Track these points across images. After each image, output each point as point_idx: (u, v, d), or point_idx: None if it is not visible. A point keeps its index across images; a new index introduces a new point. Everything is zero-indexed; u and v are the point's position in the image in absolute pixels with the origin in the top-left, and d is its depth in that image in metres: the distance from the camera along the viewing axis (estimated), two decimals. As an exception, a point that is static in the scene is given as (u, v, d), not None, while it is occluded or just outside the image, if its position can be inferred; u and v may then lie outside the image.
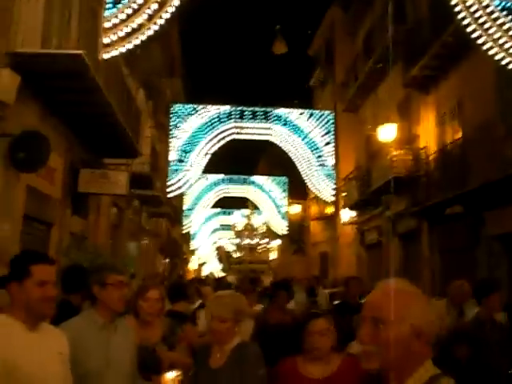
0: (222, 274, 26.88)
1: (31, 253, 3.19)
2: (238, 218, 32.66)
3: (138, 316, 4.44)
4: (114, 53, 8.82)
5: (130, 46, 8.82)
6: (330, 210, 28.39)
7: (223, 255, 28.10)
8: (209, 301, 4.52)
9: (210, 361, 3.82)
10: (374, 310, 1.91)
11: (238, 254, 25.66)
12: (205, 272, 50.46)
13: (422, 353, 1.88)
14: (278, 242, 29.58)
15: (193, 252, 50.28)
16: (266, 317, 6.46)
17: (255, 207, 35.85)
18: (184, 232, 39.89)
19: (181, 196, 31.83)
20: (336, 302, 8.99)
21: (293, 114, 26.07)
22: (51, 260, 3.01)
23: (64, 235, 11.16)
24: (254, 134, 26.13)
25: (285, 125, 25.82)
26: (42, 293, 2.82)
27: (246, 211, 34.86)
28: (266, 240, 24.92)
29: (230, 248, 39.52)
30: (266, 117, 25.77)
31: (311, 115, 26.31)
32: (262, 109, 25.98)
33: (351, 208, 23.65)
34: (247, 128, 25.63)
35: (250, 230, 24.73)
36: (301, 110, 26.47)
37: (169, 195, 24.84)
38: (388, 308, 1.86)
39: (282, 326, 5.81)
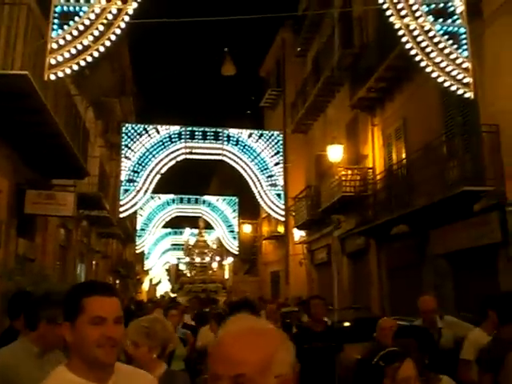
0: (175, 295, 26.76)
1: (84, 284, 2.61)
2: (188, 235, 32.31)
3: None
4: (61, 74, 8.75)
5: (76, 67, 8.78)
6: (281, 229, 28.54)
7: (173, 275, 27.59)
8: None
9: None
10: (232, 365, 1.43)
11: (187, 273, 25.15)
12: (159, 292, 49.96)
13: None
14: (230, 259, 29.35)
15: (147, 272, 49.79)
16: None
17: (207, 225, 35.81)
18: (138, 252, 39.54)
19: (134, 216, 31.54)
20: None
21: (243, 134, 26.24)
22: (110, 290, 2.33)
23: (9, 258, 10.94)
24: (206, 153, 26.15)
25: (236, 145, 25.95)
26: (98, 333, 2.18)
27: (197, 230, 34.72)
28: (218, 258, 24.45)
29: (183, 268, 39.31)
30: (217, 137, 25.86)
31: (261, 135, 26.52)
32: (213, 129, 26.07)
33: (301, 227, 23.85)
34: (198, 148, 25.65)
35: (201, 247, 24.11)
36: (251, 131, 26.66)
37: (120, 215, 24.58)
38: (251, 361, 1.43)
39: None
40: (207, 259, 23.63)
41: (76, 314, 2.22)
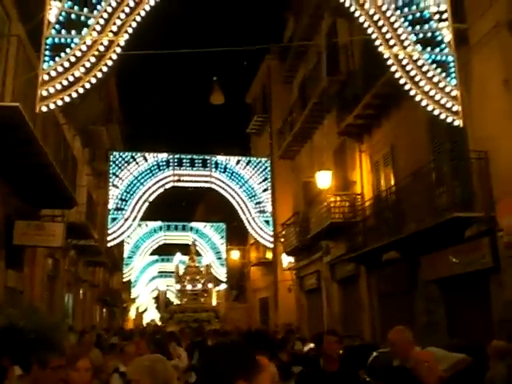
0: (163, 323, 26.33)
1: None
2: (178, 261, 31.76)
3: None
4: (52, 106, 8.74)
5: (67, 98, 8.77)
6: (269, 255, 28.48)
7: (162, 303, 26.83)
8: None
9: None
10: None
11: (178, 301, 24.41)
12: (146, 320, 49.48)
13: None
14: (224, 286, 28.90)
15: (133, 300, 49.38)
16: None
17: (197, 253, 35.66)
18: (125, 280, 39.23)
19: (121, 244, 31.33)
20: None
21: (231, 161, 26.30)
22: None
23: (-2, 290, 10.82)
24: (194, 181, 26.16)
25: (224, 172, 25.99)
26: None
27: (186, 258, 34.47)
28: (210, 285, 23.74)
29: (171, 295, 38.95)
30: (205, 164, 25.89)
31: (249, 162, 26.59)
32: (201, 156, 26.11)
33: (289, 253, 23.80)
34: (186, 175, 25.65)
35: (192, 273, 23.36)
36: (238, 158, 26.72)
37: (108, 244, 24.42)
38: None
39: None
40: (199, 286, 22.69)
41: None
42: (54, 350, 3.64)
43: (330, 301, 19.29)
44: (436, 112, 10.18)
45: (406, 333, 5.49)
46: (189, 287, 22.59)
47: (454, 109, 10.14)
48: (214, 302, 36.66)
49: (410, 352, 5.16)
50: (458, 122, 10.23)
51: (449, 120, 10.24)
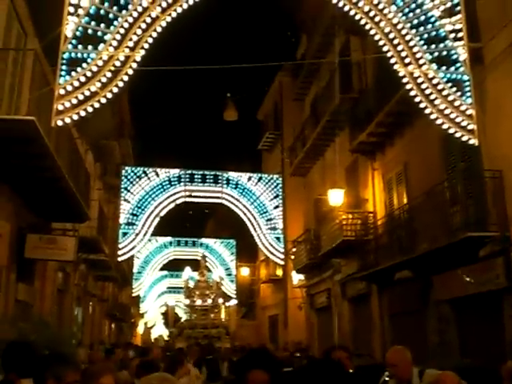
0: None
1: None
2: (188, 276, 31.34)
3: None
4: (68, 120, 8.78)
5: (83, 113, 8.81)
6: (279, 272, 28.36)
7: (171, 318, 26.28)
8: None
9: None
10: None
11: (187, 317, 23.86)
12: (154, 335, 49.27)
13: None
14: (234, 301, 28.45)
15: (142, 315, 49.25)
16: None
17: (207, 268, 35.52)
18: (134, 295, 39.17)
19: (131, 258, 31.32)
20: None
21: (242, 177, 26.31)
22: None
23: (9, 303, 10.80)
24: (205, 197, 26.18)
25: (235, 188, 25.99)
26: None
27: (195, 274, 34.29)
28: (221, 301, 23.15)
29: (179, 311, 38.71)
30: (216, 180, 25.92)
31: (260, 179, 26.58)
32: (212, 172, 26.14)
33: (299, 271, 23.68)
34: (198, 191, 25.68)
35: (202, 288, 22.74)
36: (250, 174, 26.73)
37: (119, 259, 24.42)
38: None
39: None
40: (209, 301, 22.02)
41: None
42: (68, 364, 3.60)
43: (340, 319, 19.15)
44: (451, 130, 10.13)
45: (406, 353, 5.32)
46: (198, 302, 21.87)
47: (470, 127, 10.08)
48: (222, 316, 36.44)
49: (409, 372, 5.05)
50: (473, 141, 10.17)
51: (464, 138, 10.19)
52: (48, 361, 3.74)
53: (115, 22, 9.33)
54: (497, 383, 6.68)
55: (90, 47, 9.12)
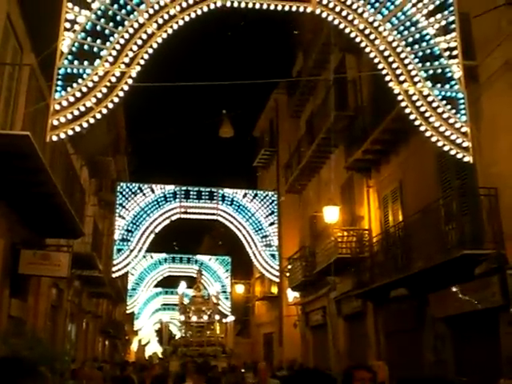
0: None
1: None
2: (183, 290, 30.84)
3: None
4: (63, 135, 8.76)
5: (78, 128, 8.79)
6: (274, 290, 28.24)
7: (165, 335, 25.64)
8: None
9: None
10: None
11: (182, 334, 23.23)
12: (148, 353, 48.91)
13: None
14: (232, 318, 27.97)
15: (136, 332, 48.93)
16: None
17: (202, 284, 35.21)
18: (128, 312, 38.93)
19: (125, 275, 31.17)
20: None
21: (238, 194, 26.28)
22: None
23: (2, 319, 10.70)
24: (201, 213, 26.09)
25: (230, 205, 25.93)
26: None
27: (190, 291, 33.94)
28: (217, 317, 22.43)
29: (174, 328, 38.39)
30: (212, 197, 25.87)
31: (256, 195, 26.55)
32: (208, 189, 26.10)
33: (295, 289, 23.60)
34: (193, 208, 25.62)
35: (198, 303, 22.05)
36: (246, 191, 26.70)
37: (113, 275, 24.28)
38: None
39: None
40: (205, 318, 21.29)
41: None
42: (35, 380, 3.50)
43: (335, 337, 19.04)
44: (446, 148, 10.15)
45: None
46: (194, 319, 21.25)
47: (464, 145, 10.11)
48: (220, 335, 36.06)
49: None
50: (468, 159, 10.19)
51: (459, 156, 10.21)
52: (35, 377, 3.65)
53: (111, 38, 9.35)
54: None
55: (85, 63, 9.12)
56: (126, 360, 26.21)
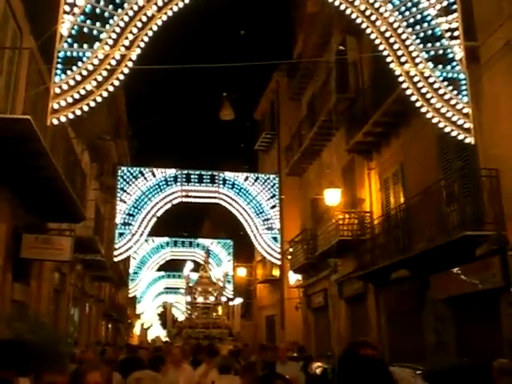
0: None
1: None
2: (188, 271, 30.52)
3: None
4: (63, 119, 8.75)
5: (78, 112, 8.78)
6: (276, 272, 28.32)
7: (169, 317, 25.29)
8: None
9: None
10: None
11: (186, 315, 22.81)
12: (150, 336, 49.20)
13: None
14: (239, 300, 27.68)
15: (138, 316, 49.18)
16: None
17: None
18: (130, 295, 39.11)
19: (127, 259, 31.25)
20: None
21: (239, 177, 26.25)
22: None
23: (5, 303, 10.76)
24: (202, 197, 26.09)
25: (232, 188, 25.92)
26: None
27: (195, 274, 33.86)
28: (224, 299, 21.89)
29: (176, 312, 38.49)
30: (213, 180, 25.85)
31: (257, 179, 26.54)
32: (209, 172, 26.06)
33: (297, 271, 23.67)
34: (194, 191, 25.60)
35: (205, 284, 21.51)
36: (247, 174, 26.68)
37: (115, 259, 24.34)
38: None
39: None
40: (211, 299, 20.70)
41: None
42: (54, 365, 3.54)
43: (337, 319, 19.12)
44: (447, 129, 10.14)
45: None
46: (200, 300, 20.80)
47: (466, 126, 10.10)
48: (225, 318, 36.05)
49: None
50: (470, 140, 10.18)
51: (460, 137, 10.20)
52: (39, 360, 3.70)
53: (111, 21, 9.31)
54: (493, 382, 6.69)
55: (85, 46, 9.10)
56: (136, 345, 26.14)
